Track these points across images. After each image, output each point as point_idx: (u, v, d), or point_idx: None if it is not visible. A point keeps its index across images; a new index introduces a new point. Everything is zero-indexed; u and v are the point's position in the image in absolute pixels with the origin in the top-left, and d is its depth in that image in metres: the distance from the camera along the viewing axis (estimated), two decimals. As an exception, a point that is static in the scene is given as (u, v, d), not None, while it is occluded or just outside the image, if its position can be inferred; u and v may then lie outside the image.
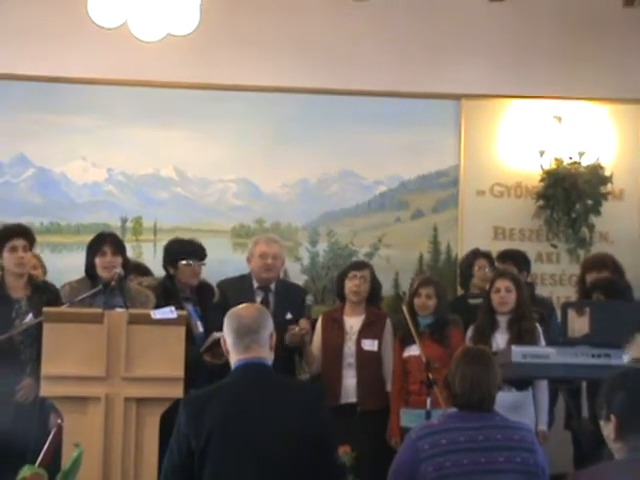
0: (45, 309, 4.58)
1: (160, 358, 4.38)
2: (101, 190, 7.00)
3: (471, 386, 3.57)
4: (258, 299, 5.56)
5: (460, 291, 6.76)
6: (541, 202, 7.06)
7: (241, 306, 3.44)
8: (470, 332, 5.60)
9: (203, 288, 5.54)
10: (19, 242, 5.14)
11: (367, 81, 7.00)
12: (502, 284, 5.56)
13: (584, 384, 5.27)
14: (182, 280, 5.45)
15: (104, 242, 5.16)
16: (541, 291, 6.78)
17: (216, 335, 4.70)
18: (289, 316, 5.56)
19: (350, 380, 5.66)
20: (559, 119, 7.13)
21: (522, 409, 5.25)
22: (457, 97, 7.12)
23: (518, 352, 4.59)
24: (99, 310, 4.50)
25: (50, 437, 4.37)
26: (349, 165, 7.15)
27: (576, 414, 5.28)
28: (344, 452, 4.56)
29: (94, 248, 5.17)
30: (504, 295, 5.54)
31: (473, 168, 7.14)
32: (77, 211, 6.96)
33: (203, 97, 6.96)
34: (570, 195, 6.96)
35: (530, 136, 7.14)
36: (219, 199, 7.11)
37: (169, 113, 6.95)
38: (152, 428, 4.33)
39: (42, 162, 6.93)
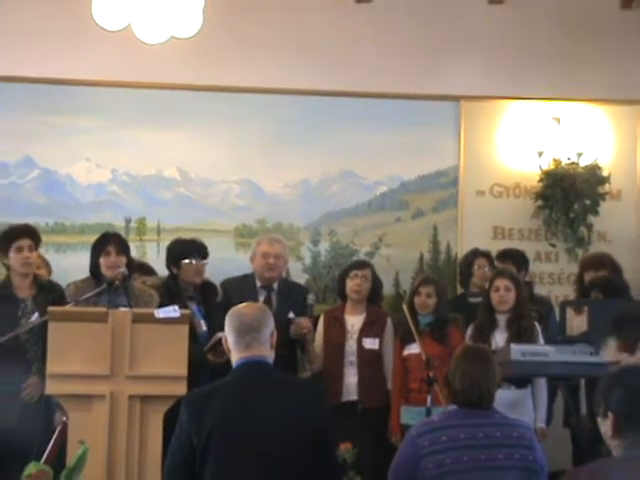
0: (50, 308, 4.60)
1: (164, 356, 4.38)
2: (105, 191, 7.04)
3: (471, 384, 3.58)
4: (261, 298, 5.56)
5: (460, 290, 6.78)
6: (540, 202, 7.08)
7: (242, 305, 3.44)
8: (470, 330, 5.62)
9: (206, 287, 5.57)
10: (25, 242, 5.15)
11: (367, 82, 7.02)
12: (501, 283, 5.58)
13: (582, 382, 5.25)
14: (185, 279, 5.47)
15: (108, 242, 5.18)
16: (540, 290, 6.80)
17: (220, 335, 4.71)
18: (291, 315, 5.56)
19: (351, 378, 5.67)
20: (557, 120, 7.15)
21: (521, 407, 5.27)
22: (457, 98, 7.14)
23: (517, 350, 4.59)
24: (103, 309, 4.52)
25: (55, 434, 4.40)
26: (350, 165, 7.18)
27: (574, 411, 5.26)
28: (345, 449, 4.57)
29: (98, 248, 5.20)
30: (503, 294, 5.55)
31: (473, 168, 7.17)
32: (81, 211, 6.99)
33: (206, 98, 6.99)
34: (568, 195, 6.98)
35: (529, 137, 7.16)
36: (222, 199, 7.14)
37: (172, 114, 6.98)
38: (156, 425, 4.33)
39: (47, 163, 6.96)
